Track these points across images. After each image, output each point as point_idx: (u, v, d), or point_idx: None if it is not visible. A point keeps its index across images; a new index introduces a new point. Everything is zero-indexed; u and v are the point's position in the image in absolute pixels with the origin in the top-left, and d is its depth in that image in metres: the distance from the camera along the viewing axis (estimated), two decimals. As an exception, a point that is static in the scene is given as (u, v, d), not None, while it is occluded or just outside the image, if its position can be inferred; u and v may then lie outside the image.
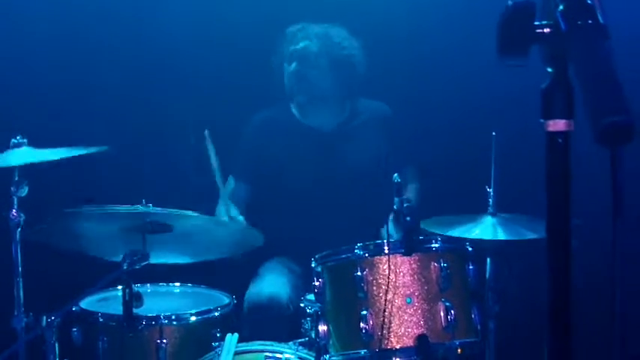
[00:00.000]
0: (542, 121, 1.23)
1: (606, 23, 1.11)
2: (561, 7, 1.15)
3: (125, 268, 3.04)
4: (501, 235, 3.33)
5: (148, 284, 3.64)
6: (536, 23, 1.21)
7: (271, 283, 3.90)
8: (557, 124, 1.21)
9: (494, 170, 3.38)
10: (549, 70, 1.21)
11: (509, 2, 1.21)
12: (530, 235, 3.32)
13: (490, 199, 3.43)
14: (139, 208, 3.12)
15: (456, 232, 3.29)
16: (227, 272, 3.88)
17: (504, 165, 3.39)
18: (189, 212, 3.18)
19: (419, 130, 4.36)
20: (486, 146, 3.38)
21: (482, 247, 3.35)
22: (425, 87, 4.49)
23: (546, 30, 1.20)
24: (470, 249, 3.08)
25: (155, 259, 3.18)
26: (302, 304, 3.26)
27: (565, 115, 1.20)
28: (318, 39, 4.12)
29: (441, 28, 4.42)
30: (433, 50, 4.48)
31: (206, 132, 3.54)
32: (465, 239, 3.16)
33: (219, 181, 3.66)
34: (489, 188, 3.42)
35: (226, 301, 3.51)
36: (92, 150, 3.36)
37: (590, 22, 1.11)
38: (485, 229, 3.38)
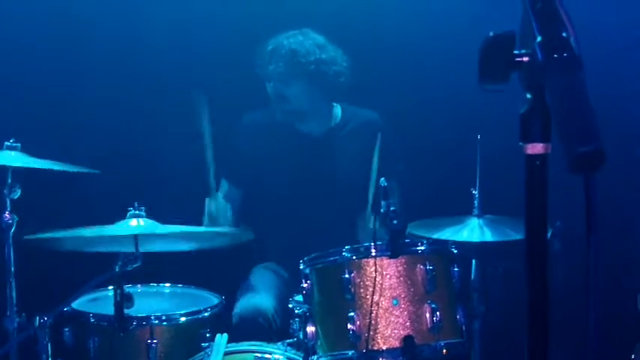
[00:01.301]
0: (521, 144, 1.29)
1: (580, 55, 1.17)
2: (539, 39, 1.21)
3: (117, 270, 3.09)
4: (488, 237, 3.39)
5: (139, 285, 3.67)
6: (516, 52, 1.27)
7: (258, 297, 3.91)
8: (535, 148, 1.27)
9: (479, 172, 3.44)
10: (528, 95, 1.27)
11: (490, 33, 1.27)
12: (516, 236, 3.37)
13: (475, 201, 3.48)
14: (129, 227, 3.18)
15: (443, 235, 3.35)
16: (217, 272, 3.93)
17: (489, 167, 3.44)
18: (176, 227, 3.23)
19: (405, 132, 4.39)
20: (472, 149, 3.42)
21: (467, 248, 3.40)
22: (412, 91, 4.53)
23: (525, 59, 1.25)
24: (455, 251, 3.14)
25: (149, 248, 3.24)
26: (290, 305, 3.32)
27: (542, 139, 1.26)
28: (287, 59, 4.09)
29: (428, 34, 4.45)
30: (420, 55, 4.51)
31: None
32: (450, 241, 3.21)
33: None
34: (474, 190, 3.47)
35: (216, 301, 3.56)
36: (82, 169, 3.43)
37: (565, 54, 1.17)
38: (472, 230, 3.43)
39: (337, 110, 4.30)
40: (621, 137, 4.32)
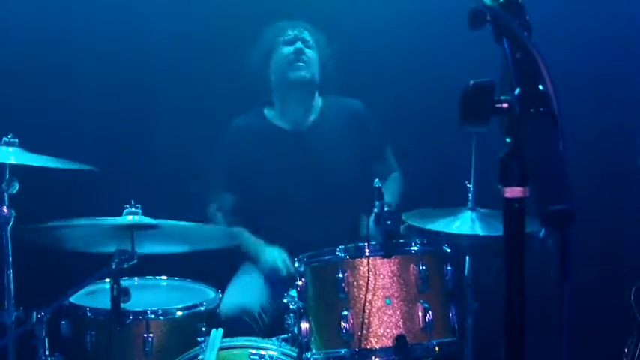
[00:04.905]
0: (499, 187, 1.31)
1: (559, 109, 1.18)
2: (517, 91, 1.23)
3: (114, 267, 3.12)
4: (479, 230, 3.41)
5: (136, 277, 3.70)
6: (496, 99, 1.28)
7: (244, 295, 3.96)
8: (514, 191, 1.29)
9: (474, 166, 3.45)
10: (507, 140, 1.29)
11: (471, 81, 1.28)
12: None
13: (470, 195, 3.50)
14: (125, 219, 3.20)
15: (436, 226, 3.37)
16: (213, 265, 3.95)
17: (484, 161, 3.45)
18: (172, 222, 3.26)
19: (402, 124, 4.42)
20: (467, 142, 3.44)
21: (460, 245, 3.42)
22: (408, 83, 4.54)
23: (504, 105, 1.27)
24: (448, 250, 3.17)
25: (145, 250, 3.27)
26: (285, 300, 3.34)
27: (521, 183, 1.28)
28: (309, 28, 4.28)
29: (426, 27, 4.46)
30: (418, 48, 4.52)
31: None
32: (443, 241, 3.23)
33: None
34: (469, 184, 3.49)
35: (212, 295, 3.60)
36: (81, 166, 3.46)
37: (541, 109, 1.19)
38: (464, 223, 3.45)
39: (318, 102, 4.34)
40: (616, 135, 4.34)
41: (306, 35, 4.24)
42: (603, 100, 4.49)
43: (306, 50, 4.21)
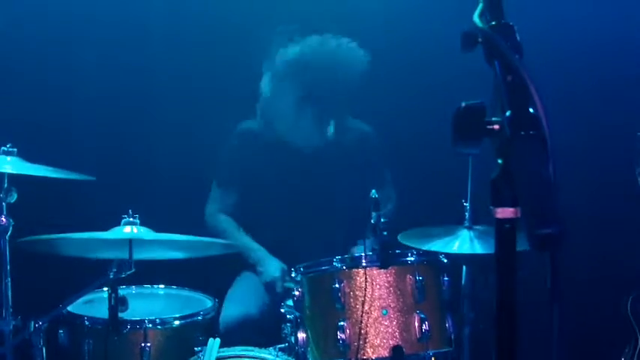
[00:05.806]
0: (491, 208, 1.32)
1: (549, 133, 1.19)
2: (508, 113, 1.24)
3: (111, 276, 3.13)
4: (478, 249, 3.41)
5: (133, 286, 3.71)
6: (487, 120, 1.30)
7: (245, 304, 3.97)
8: (505, 212, 1.30)
9: (470, 184, 3.45)
10: (499, 161, 1.30)
11: (462, 103, 1.30)
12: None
13: (466, 213, 3.50)
14: (122, 233, 3.22)
15: (434, 246, 3.36)
16: (211, 274, 3.95)
17: (481, 179, 3.46)
18: (169, 235, 3.27)
19: (398, 142, 4.41)
20: (464, 160, 3.44)
21: (457, 257, 3.42)
22: (405, 100, 4.54)
23: (496, 127, 1.29)
24: (445, 261, 3.18)
25: (143, 256, 3.28)
26: (282, 310, 3.36)
27: (512, 204, 1.29)
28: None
29: (423, 41, 4.46)
30: (415, 65, 4.52)
31: None
32: (440, 251, 3.25)
33: None
34: (466, 202, 3.49)
35: (209, 304, 3.60)
36: (79, 176, 3.46)
37: (531, 132, 1.20)
38: (462, 242, 3.44)
39: (331, 125, 4.29)
40: (615, 142, 4.34)
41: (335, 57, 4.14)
42: (602, 106, 4.50)
43: (337, 70, 4.11)
